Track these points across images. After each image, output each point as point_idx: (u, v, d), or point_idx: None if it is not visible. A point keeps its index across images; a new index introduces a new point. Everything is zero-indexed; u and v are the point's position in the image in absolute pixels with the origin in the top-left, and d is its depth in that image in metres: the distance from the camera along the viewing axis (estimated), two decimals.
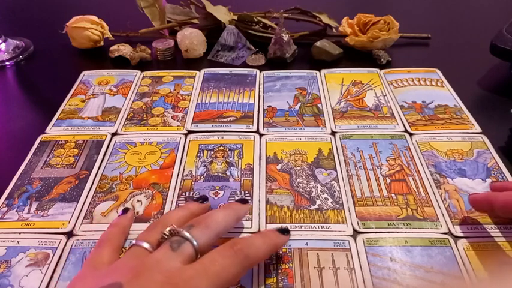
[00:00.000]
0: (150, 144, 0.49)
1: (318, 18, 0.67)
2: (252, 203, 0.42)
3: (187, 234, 0.31)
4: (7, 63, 0.66)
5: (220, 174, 0.45)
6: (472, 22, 0.76)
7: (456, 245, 0.37)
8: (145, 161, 0.46)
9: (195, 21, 0.68)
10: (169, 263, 0.29)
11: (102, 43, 0.67)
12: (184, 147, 0.48)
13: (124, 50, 0.64)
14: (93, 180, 0.44)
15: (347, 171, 0.45)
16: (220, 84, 0.59)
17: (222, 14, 0.66)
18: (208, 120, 0.52)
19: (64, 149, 0.48)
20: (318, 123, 0.52)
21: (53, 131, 0.51)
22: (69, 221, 0.40)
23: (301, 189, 0.43)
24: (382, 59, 0.63)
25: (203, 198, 0.39)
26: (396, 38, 0.63)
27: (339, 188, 0.43)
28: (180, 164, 0.46)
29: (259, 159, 0.47)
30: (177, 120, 0.52)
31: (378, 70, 0.61)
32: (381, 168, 0.45)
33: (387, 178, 0.44)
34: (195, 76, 0.61)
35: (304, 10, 0.68)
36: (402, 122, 0.51)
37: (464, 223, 0.39)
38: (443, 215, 0.40)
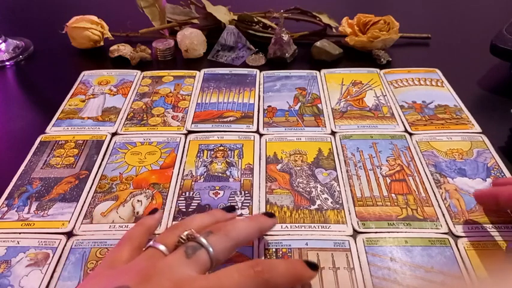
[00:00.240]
0: (150, 144, 0.49)
1: (318, 18, 0.67)
2: (252, 203, 0.42)
3: (203, 241, 0.30)
4: (7, 63, 0.66)
5: (220, 174, 0.45)
6: (472, 22, 0.76)
7: (456, 245, 0.37)
8: (145, 161, 0.46)
9: (195, 21, 0.68)
10: (181, 270, 0.28)
11: (102, 43, 0.67)
12: (184, 147, 0.48)
13: (124, 50, 0.64)
14: (93, 180, 0.44)
15: (347, 171, 0.45)
16: (220, 84, 0.59)
17: (222, 14, 0.66)
18: (208, 120, 0.52)
19: (64, 149, 0.48)
20: (318, 123, 0.52)
21: (53, 131, 0.51)
22: (69, 221, 0.40)
23: (301, 189, 0.43)
24: (382, 59, 0.63)
25: (231, 208, 0.38)
26: (396, 38, 0.63)
27: (339, 188, 0.43)
28: (180, 164, 0.46)
29: (259, 159, 0.47)
30: (177, 120, 0.52)
31: (378, 70, 0.61)
32: (381, 168, 0.45)
33: (387, 178, 0.44)
34: (195, 76, 0.61)
35: (304, 10, 0.68)
36: (402, 122, 0.51)
37: (465, 223, 0.39)
38: (443, 214, 0.40)
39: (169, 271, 0.28)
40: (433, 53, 0.67)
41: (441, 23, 0.76)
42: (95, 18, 0.66)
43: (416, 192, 0.42)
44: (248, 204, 0.41)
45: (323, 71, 0.61)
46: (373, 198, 0.42)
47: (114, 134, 0.50)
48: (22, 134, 0.51)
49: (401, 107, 0.54)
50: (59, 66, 0.65)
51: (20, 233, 0.39)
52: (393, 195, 0.42)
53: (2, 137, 0.52)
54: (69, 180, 0.44)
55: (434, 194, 0.42)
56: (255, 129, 0.51)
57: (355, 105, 0.54)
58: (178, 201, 0.42)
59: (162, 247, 0.31)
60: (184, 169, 0.45)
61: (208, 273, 0.30)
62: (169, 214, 0.41)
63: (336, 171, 0.45)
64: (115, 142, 0.49)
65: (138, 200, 0.42)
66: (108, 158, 0.47)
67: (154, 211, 0.38)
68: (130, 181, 0.44)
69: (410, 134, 0.49)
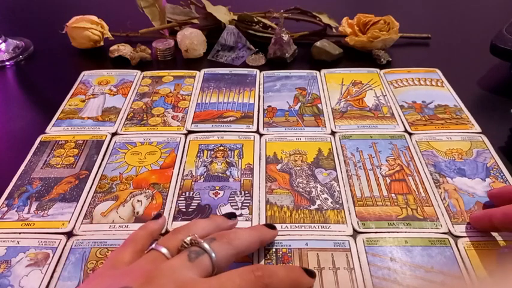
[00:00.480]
0: (150, 144, 0.49)
1: (318, 18, 0.67)
2: (252, 203, 0.42)
3: (206, 246, 0.30)
4: (7, 63, 0.66)
5: (220, 174, 0.45)
6: (472, 22, 0.76)
7: (456, 245, 0.37)
8: (145, 161, 0.46)
9: (195, 21, 0.68)
10: (184, 273, 0.29)
11: (102, 43, 0.67)
12: (184, 147, 0.48)
13: (124, 50, 0.64)
14: (93, 180, 0.44)
15: (347, 171, 0.45)
16: (220, 84, 0.59)
17: (222, 14, 0.66)
18: (208, 120, 0.52)
19: (64, 149, 0.48)
20: (318, 123, 0.52)
21: (53, 131, 0.51)
22: (69, 221, 0.40)
23: (301, 189, 0.43)
24: (382, 59, 0.63)
25: (232, 215, 0.38)
26: (396, 38, 0.63)
27: (339, 188, 0.43)
28: (180, 164, 0.46)
29: (259, 159, 0.47)
30: (177, 120, 0.52)
31: (378, 70, 0.61)
32: (380, 168, 0.45)
33: (387, 178, 0.44)
34: (195, 76, 0.61)
35: (304, 10, 0.68)
36: (402, 122, 0.51)
37: (464, 223, 0.39)
38: (443, 214, 0.40)
39: (172, 273, 0.28)
40: (433, 53, 0.67)
41: (441, 23, 0.76)
42: (95, 18, 0.66)
43: (416, 192, 0.42)
44: (248, 204, 0.41)
45: (323, 71, 0.61)
46: (373, 198, 0.42)
47: (114, 134, 0.50)
48: (22, 134, 0.51)
49: (401, 107, 0.54)
50: (59, 66, 0.65)
51: (20, 233, 0.39)
52: (393, 195, 0.42)
53: (2, 137, 0.52)
54: (69, 180, 0.44)
55: (434, 194, 0.42)
56: (255, 129, 0.51)
57: (355, 105, 0.54)
58: (178, 201, 0.42)
59: (164, 250, 0.31)
60: (184, 169, 0.46)
61: None
62: (169, 214, 0.41)
63: (336, 171, 0.45)
64: (115, 142, 0.49)
65: (138, 200, 0.42)
66: (108, 158, 0.47)
67: (158, 216, 0.38)
68: (130, 181, 0.44)
69: (410, 134, 0.50)
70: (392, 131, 0.50)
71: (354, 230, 0.39)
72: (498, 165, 0.45)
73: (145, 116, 0.53)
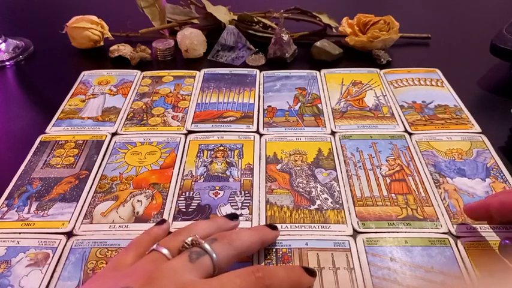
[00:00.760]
0: (150, 144, 0.49)
1: (318, 18, 0.67)
2: (252, 203, 0.42)
3: (207, 247, 0.30)
4: (7, 63, 0.66)
5: (220, 174, 0.45)
6: (472, 22, 0.76)
7: (456, 245, 0.37)
8: (145, 161, 0.46)
9: (195, 21, 0.68)
10: (185, 274, 0.29)
11: (102, 43, 0.67)
12: (184, 147, 0.48)
13: (124, 50, 0.64)
14: (93, 180, 0.44)
15: (347, 171, 0.45)
16: (220, 84, 0.59)
17: (222, 14, 0.66)
18: (208, 120, 0.52)
19: (64, 149, 0.48)
20: (318, 123, 0.52)
21: (53, 131, 0.51)
22: (69, 221, 0.40)
23: (301, 189, 0.43)
24: (382, 59, 0.63)
25: (233, 216, 0.38)
26: (396, 38, 0.63)
27: (339, 188, 0.43)
28: (180, 164, 0.46)
29: (259, 159, 0.47)
30: (177, 120, 0.52)
31: (378, 70, 0.61)
32: (380, 168, 0.45)
33: (387, 178, 0.44)
34: (195, 76, 0.61)
35: (304, 10, 0.68)
36: (402, 122, 0.51)
37: (464, 223, 0.39)
38: (442, 214, 0.40)
39: (173, 274, 0.28)
40: (433, 53, 0.67)
41: (441, 23, 0.76)
42: (95, 18, 0.66)
43: (416, 192, 0.42)
44: (248, 204, 0.41)
45: (323, 71, 0.61)
46: (373, 198, 0.42)
47: (114, 134, 0.50)
48: (22, 134, 0.51)
49: (401, 107, 0.54)
50: (59, 66, 0.65)
51: (20, 233, 0.39)
52: (393, 195, 0.42)
53: (2, 137, 0.52)
54: (69, 180, 0.44)
55: (434, 194, 0.42)
56: (255, 129, 0.51)
57: (355, 105, 0.54)
58: (178, 201, 0.42)
59: (165, 251, 0.31)
60: (184, 169, 0.46)
61: None
62: (169, 214, 0.41)
63: (336, 171, 0.45)
64: (115, 142, 0.49)
65: (138, 200, 0.42)
66: (108, 158, 0.47)
67: (162, 222, 0.38)
68: (130, 181, 0.44)
69: (410, 134, 0.50)
70: (392, 131, 0.50)
71: (354, 230, 0.39)
72: (498, 165, 0.45)
73: (145, 116, 0.53)
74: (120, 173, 0.45)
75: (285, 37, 0.62)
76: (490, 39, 0.58)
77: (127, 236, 0.38)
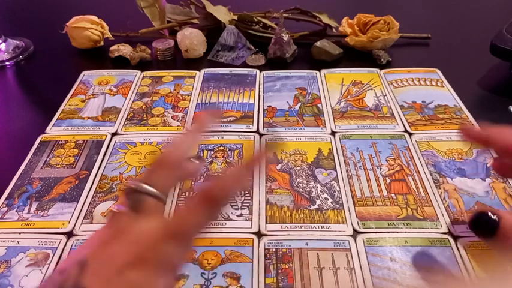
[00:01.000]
0: (150, 144, 0.49)
1: (318, 18, 0.67)
2: (252, 203, 0.42)
3: (144, 187, 0.27)
4: (7, 63, 0.66)
5: (220, 174, 0.45)
6: (472, 22, 0.76)
7: (456, 245, 0.37)
8: (146, 161, 0.46)
9: (195, 21, 0.68)
10: (134, 228, 0.26)
11: (102, 43, 0.67)
12: None
13: (124, 50, 0.64)
14: (93, 180, 0.44)
15: (347, 171, 0.45)
16: (220, 84, 0.59)
17: (222, 14, 0.66)
18: None
19: (64, 149, 0.48)
20: (318, 123, 0.52)
21: (53, 131, 0.51)
22: (69, 221, 0.40)
23: (301, 189, 0.43)
24: (382, 59, 0.63)
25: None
26: (396, 38, 0.63)
27: (339, 188, 0.43)
28: None
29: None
30: (177, 120, 0.52)
31: (378, 70, 0.61)
32: (380, 168, 0.45)
33: (387, 178, 0.44)
34: (195, 76, 0.61)
35: (304, 10, 0.68)
36: (402, 122, 0.51)
37: (464, 223, 0.39)
38: (442, 214, 0.40)
39: (123, 233, 0.26)
40: (433, 53, 0.67)
41: (441, 23, 0.76)
42: (95, 18, 0.66)
43: (416, 192, 0.42)
44: (248, 204, 0.41)
45: (323, 71, 0.61)
46: (373, 198, 0.42)
47: (114, 134, 0.50)
48: (22, 134, 0.51)
49: (401, 107, 0.54)
50: (59, 66, 0.65)
51: (20, 233, 0.39)
52: (393, 195, 0.42)
53: (2, 137, 0.52)
54: (69, 180, 0.44)
55: (434, 194, 0.42)
56: (255, 129, 0.51)
57: (355, 105, 0.54)
58: (178, 201, 0.42)
59: (122, 208, 0.28)
60: None
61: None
62: (169, 214, 0.41)
63: (336, 171, 0.45)
64: (115, 142, 0.49)
65: None
66: (108, 158, 0.47)
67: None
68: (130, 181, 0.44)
69: (410, 134, 0.50)
70: (392, 131, 0.50)
71: (354, 230, 0.39)
72: (487, 148, 0.45)
73: (145, 116, 0.53)
74: (120, 173, 0.45)
75: (285, 37, 0.62)
76: (490, 39, 0.58)
77: None
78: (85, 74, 0.62)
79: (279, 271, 0.35)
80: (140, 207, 0.27)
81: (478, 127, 0.37)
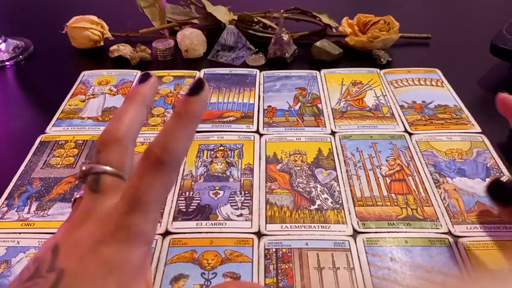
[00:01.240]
0: None
1: (318, 18, 0.67)
2: (252, 203, 0.42)
3: (98, 167, 0.26)
4: (7, 63, 0.66)
5: (220, 174, 0.45)
6: (472, 22, 0.76)
7: (456, 245, 0.37)
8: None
9: (195, 21, 0.68)
10: (97, 208, 0.25)
11: (102, 43, 0.67)
12: None
13: (124, 50, 0.64)
14: None
15: (347, 171, 0.45)
16: (220, 84, 0.59)
17: (222, 14, 0.66)
18: (208, 120, 0.52)
19: (64, 149, 0.48)
20: (318, 123, 0.52)
21: (53, 131, 0.51)
22: None
23: (301, 189, 0.43)
24: (382, 59, 0.63)
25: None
26: (396, 38, 0.63)
27: (339, 188, 0.43)
28: None
29: (259, 159, 0.47)
30: None
31: (378, 70, 0.61)
32: (380, 168, 0.45)
33: (387, 178, 0.44)
34: (195, 76, 0.61)
35: (304, 10, 0.68)
36: (402, 122, 0.51)
37: (464, 223, 0.39)
38: (442, 214, 0.40)
39: (89, 215, 0.25)
40: (433, 53, 0.67)
41: (441, 23, 0.76)
42: (95, 18, 0.66)
43: (416, 192, 0.42)
44: (248, 204, 0.41)
45: (323, 71, 0.61)
46: (373, 198, 0.42)
47: None
48: (22, 134, 0.51)
49: (401, 107, 0.54)
50: (59, 66, 0.65)
51: (20, 233, 0.39)
52: (393, 195, 0.42)
53: (2, 137, 0.52)
54: (69, 180, 0.44)
55: (434, 194, 0.42)
56: (255, 129, 0.51)
57: (355, 105, 0.54)
58: (178, 201, 0.42)
59: (81, 194, 0.27)
60: (184, 169, 0.46)
61: None
62: (169, 214, 0.41)
63: (336, 171, 0.45)
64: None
65: None
66: None
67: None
68: None
69: (410, 134, 0.50)
70: (392, 131, 0.50)
71: (354, 230, 0.39)
72: (498, 165, 0.45)
73: None
74: None
75: (285, 37, 0.62)
76: (490, 39, 0.58)
77: None
78: (85, 74, 0.62)
79: (279, 271, 0.35)
80: (98, 187, 0.26)
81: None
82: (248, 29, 0.67)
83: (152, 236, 0.26)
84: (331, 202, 0.41)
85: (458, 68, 0.62)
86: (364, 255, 0.36)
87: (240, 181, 0.44)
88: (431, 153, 0.47)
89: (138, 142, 0.49)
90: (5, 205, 0.42)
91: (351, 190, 0.43)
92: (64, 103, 0.56)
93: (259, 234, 0.39)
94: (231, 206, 0.41)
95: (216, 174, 0.45)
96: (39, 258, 0.25)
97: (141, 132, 0.53)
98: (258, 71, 0.61)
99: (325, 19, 0.67)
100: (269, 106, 0.55)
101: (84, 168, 0.27)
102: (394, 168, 0.45)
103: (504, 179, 0.37)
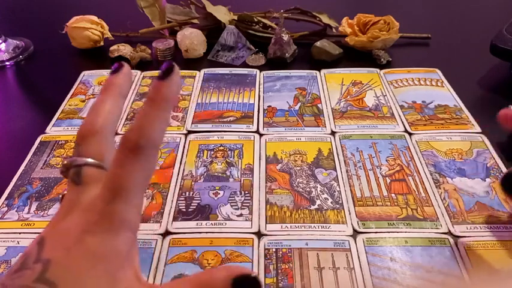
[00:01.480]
0: None
1: (318, 18, 0.67)
2: (252, 203, 0.42)
3: (79, 160, 0.27)
4: (7, 63, 0.66)
5: (220, 174, 0.45)
6: (472, 22, 0.76)
7: (456, 245, 0.37)
8: None
9: (195, 21, 0.68)
10: (81, 199, 0.26)
11: (102, 43, 0.67)
12: (184, 147, 0.48)
13: (124, 50, 0.64)
14: None
15: (347, 171, 0.45)
16: (220, 84, 0.59)
17: (222, 14, 0.66)
18: (208, 120, 0.52)
19: (64, 149, 0.48)
20: (318, 123, 0.52)
21: (53, 131, 0.51)
22: None
23: (301, 189, 0.43)
24: (382, 59, 0.63)
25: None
26: (396, 38, 0.63)
27: (339, 188, 0.43)
28: (180, 164, 0.46)
29: (259, 159, 0.47)
30: (177, 120, 0.52)
31: (378, 70, 0.61)
32: (380, 168, 0.45)
33: (387, 178, 0.44)
34: (195, 76, 0.61)
35: (304, 10, 0.68)
36: (402, 122, 0.51)
37: (464, 223, 0.39)
38: (442, 214, 0.40)
39: (73, 206, 0.26)
40: (433, 53, 0.67)
41: (441, 23, 0.76)
42: (95, 18, 0.66)
43: (416, 192, 0.42)
44: (248, 204, 0.41)
45: (323, 71, 0.61)
46: (373, 198, 0.42)
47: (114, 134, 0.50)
48: (22, 134, 0.51)
49: (401, 107, 0.54)
50: (59, 66, 0.65)
51: (20, 233, 0.39)
52: (393, 195, 0.42)
53: (2, 137, 0.52)
54: None
55: (434, 194, 0.42)
56: (255, 129, 0.51)
57: (355, 105, 0.54)
58: (178, 201, 0.42)
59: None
60: (184, 169, 0.46)
61: None
62: (169, 214, 0.41)
63: (336, 171, 0.45)
64: (115, 142, 0.49)
65: None
66: None
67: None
68: None
69: (410, 134, 0.50)
70: (392, 131, 0.50)
71: (354, 230, 0.39)
72: (498, 165, 0.45)
73: None
74: None
75: (285, 37, 0.62)
76: (490, 39, 0.58)
77: None
78: (85, 74, 0.62)
79: (279, 271, 0.35)
80: (80, 179, 0.26)
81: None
82: (248, 29, 0.67)
83: (137, 223, 0.26)
84: (331, 202, 0.41)
85: (458, 68, 0.62)
86: (364, 255, 0.36)
87: (240, 181, 0.44)
88: (431, 153, 0.47)
89: None
90: (5, 205, 0.42)
91: (351, 190, 0.43)
92: (64, 103, 0.56)
93: (259, 234, 0.39)
94: (231, 206, 0.41)
95: (216, 174, 0.45)
96: (27, 252, 0.25)
97: None
98: (258, 71, 0.61)
99: (325, 19, 0.67)
100: (269, 106, 0.55)
101: (65, 162, 0.27)
102: (394, 168, 0.45)
103: None
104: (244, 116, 0.53)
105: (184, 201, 0.42)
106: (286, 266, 0.36)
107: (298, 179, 0.44)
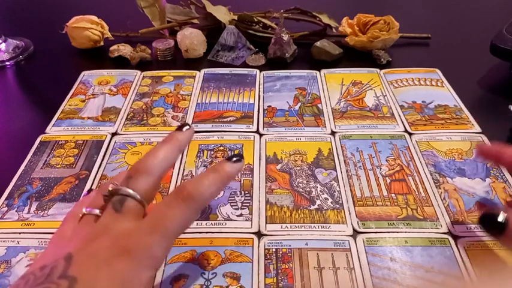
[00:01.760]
0: (150, 144, 0.49)
1: (318, 18, 0.67)
2: (252, 203, 0.42)
3: (126, 190, 0.29)
4: (7, 63, 0.66)
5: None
6: (472, 22, 0.76)
7: (456, 245, 0.37)
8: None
9: (195, 21, 0.68)
10: (116, 226, 0.28)
11: (102, 43, 0.67)
12: None
13: (124, 50, 0.64)
14: (93, 180, 0.44)
15: (347, 171, 0.45)
16: (220, 84, 0.59)
17: (222, 14, 0.66)
18: (208, 120, 0.52)
19: (64, 149, 0.48)
20: (318, 123, 0.52)
21: (53, 131, 0.51)
22: None
23: (301, 189, 0.43)
24: (382, 59, 0.63)
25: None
26: (396, 38, 0.63)
27: (339, 188, 0.43)
28: (180, 164, 0.46)
29: (259, 159, 0.47)
30: (177, 120, 0.52)
31: (378, 70, 0.61)
32: (380, 168, 0.45)
33: (387, 178, 0.44)
34: (195, 76, 0.61)
35: (304, 10, 0.68)
36: (402, 122, 0.51)
37: (464, 223, 0.39)
38: (442, 214, 0.40)
39: (106, 230, 0.27)
40: (433, 53, 0.67)
41: (441, 23, 0.76)
42: (95, 18, 0.66)
43: (416, 192, 0.42)
44: (248, 204, 0.41)
45: (323, 71, 0.61)
46: (373, 198, 0.42)
47: (114, 134, 0.50)
48: (22, 134, 0.51)
49: (401, 107, 0.54)
50: (59, 66, 0.65)
51: (20, 233, 0.39)
52: (393, 195, 0.42)
53: (2, 137, 0.52)
54: (69, 180, 0.44)
55: (434, 194, 0.42)
56: (255, 129, 0.51)
57: (355, 105, 0.54)
58: None
59: (95, 211, 0.30)
60: (184, 169, 0.46)
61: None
62: None
63: (336, 171, 0.45)
64: (115, 142, 0.49)
65: None
66: (108, 158, 0.47)
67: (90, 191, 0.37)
68: None
69: (410, 134, 0.50)
70: (392, 131, 0.50)
71: (354, 230, 0.39)
72: (498, 166, 0.45)
73: (145, 116, 0.53)
74: (120, 173, 0.45)
75: (285, 37, 0.62)
76: (490, 39, 0.58)
77: None
78: (85, 74, 0.62)
79: (279, 271, 0.35)
80: (121, 208, 0.29)
81: (490, 145, 0.41)
82: (248, 29, 0.67)
83: (161, 264, 0.28)
84: (331, 202, 0.41)
85: (458, 68, 0.62)
86: (364, 255, 0.36)
87: (240, 181, 0.44)
88: (431, 153, 0.47)
89: (138, 142, 0.49)
90: (5, 205, 0.42)
91: (351, 190, 0.43)
92: (64, 103, 0.56)
93: (259, 234, 0.39)
94: (231, 206, 0.41)
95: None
96: (49, 265, 0.25)
97: (141, 132, 0.53)
98: (258, 71, 0.61)
99: (325, 19, 0.67)
100: (269, 106, 0.55)
101: (111, 188, 0.29)
102: (394, 168, 0.45)
103: (496, 209, 0.36)
104: (244, 116, 0.53)
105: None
106: (286, 266, 0.36)
107: (298, 179, 0.44)
